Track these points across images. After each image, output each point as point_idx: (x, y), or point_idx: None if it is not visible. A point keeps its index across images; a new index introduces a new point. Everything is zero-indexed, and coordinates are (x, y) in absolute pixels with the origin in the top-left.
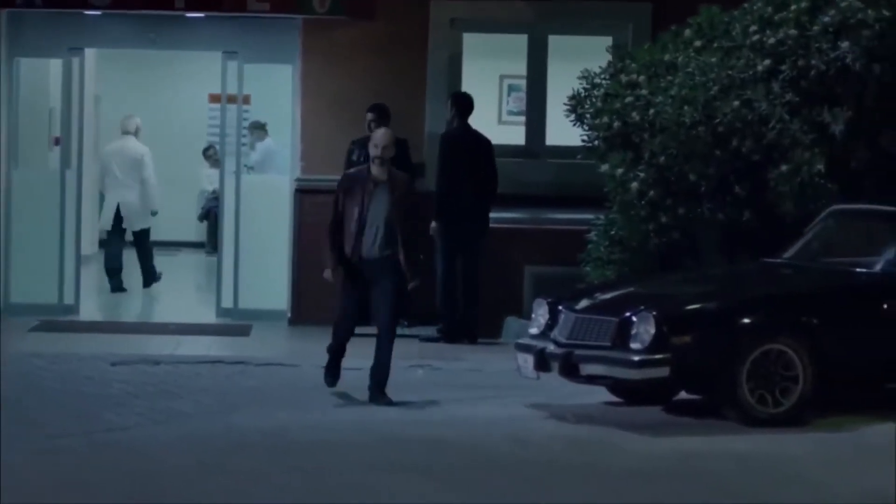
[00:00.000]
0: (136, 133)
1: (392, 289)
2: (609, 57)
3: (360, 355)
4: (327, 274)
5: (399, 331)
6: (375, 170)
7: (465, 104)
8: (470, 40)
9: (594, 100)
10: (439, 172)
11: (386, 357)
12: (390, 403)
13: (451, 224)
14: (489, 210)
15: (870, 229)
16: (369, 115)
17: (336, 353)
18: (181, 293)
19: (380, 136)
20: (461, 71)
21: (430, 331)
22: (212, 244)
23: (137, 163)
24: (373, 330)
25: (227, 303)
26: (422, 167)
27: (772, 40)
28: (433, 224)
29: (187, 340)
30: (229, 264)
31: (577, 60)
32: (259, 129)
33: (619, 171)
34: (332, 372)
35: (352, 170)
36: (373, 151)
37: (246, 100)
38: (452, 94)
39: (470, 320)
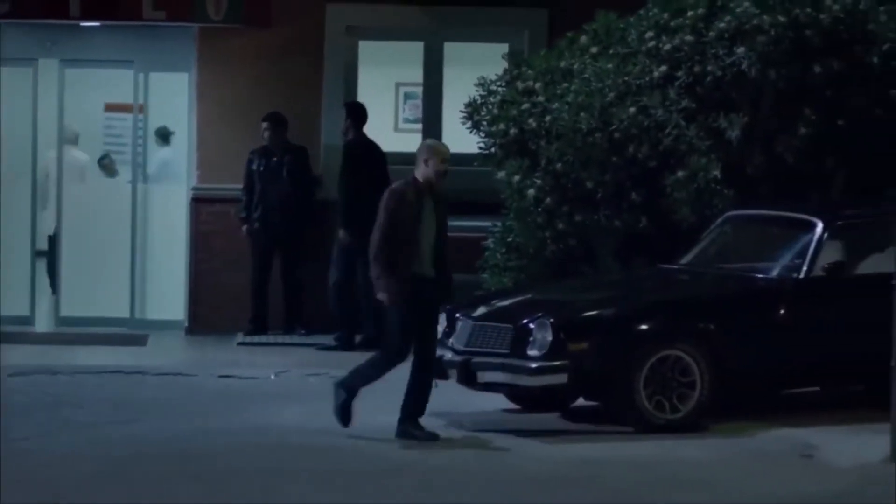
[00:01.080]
0: (75, 141)
1: (438, 309)
2: (505, 64)
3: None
4: (385, 297)
5: (296, 339)
6: (437, 184)
7: (359, 113)
8: (366, 48)
9: (490, 107)
10: (345, 182)
11: (430, 383)
12: (434, 437)
13: (350, 232)
14: None
15: (766, 235)
16: (264, 125)
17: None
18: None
19: (447, 150)
20: (357, 79)
21: (327, 339)
22: None
23: (82, 172)
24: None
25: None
26: (319, 176)
27: (668, 46)
28: (341, 233)
29: (85, 350)
30: (125, 273)
31: (474, 68)
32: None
33: (516, 178)
34: (350, 412)
35: (399, 184)
36: (441, 167)
37: (143, 109)
38: (346, 104)
39: (376, 329)
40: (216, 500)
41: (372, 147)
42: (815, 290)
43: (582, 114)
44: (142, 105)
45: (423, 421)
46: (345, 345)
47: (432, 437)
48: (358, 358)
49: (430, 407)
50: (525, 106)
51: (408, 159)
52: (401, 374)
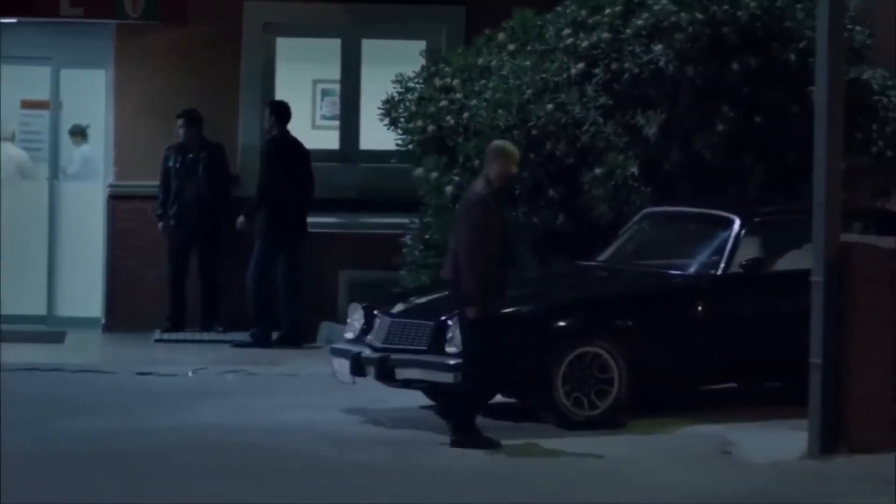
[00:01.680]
0: (12, 139)
1: None
2: (423, 61)
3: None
4: (478, 310)
5: (214, 336)
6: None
7: (283, 112)
8: (283, 45)
9: (408, 104)
10: (264, 176)
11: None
12: (494, 445)
13: (271, 229)
14: (307, 215)
15: (683, 231)
16: (179, 121)
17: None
18: None
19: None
20: (274, 76)
21: (244, 336)
22: None
23: (21, 169)
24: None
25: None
26: (235, 173)
27: (585, 43)
28: (241, 218)
29: (2, 348)
30: (42, 270)
31: (391, 65)
32: (79, 134)
33: (434, 174)
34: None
35: (481, 190)
36: (513, 170)
37: (59, 106)
38: (270, 102)
39: (294, 325)
40: (135, 499)
41: (296, 145)
42: (732, 286)
43: (499, 111)
44: (59, 102)
45: (340, 416)
46: (261, 341)
47: (492, 445)
48: (277, 355)
49: (347, 404)
50: (443, 103)
51: (325, 157)
52: (314, 370)
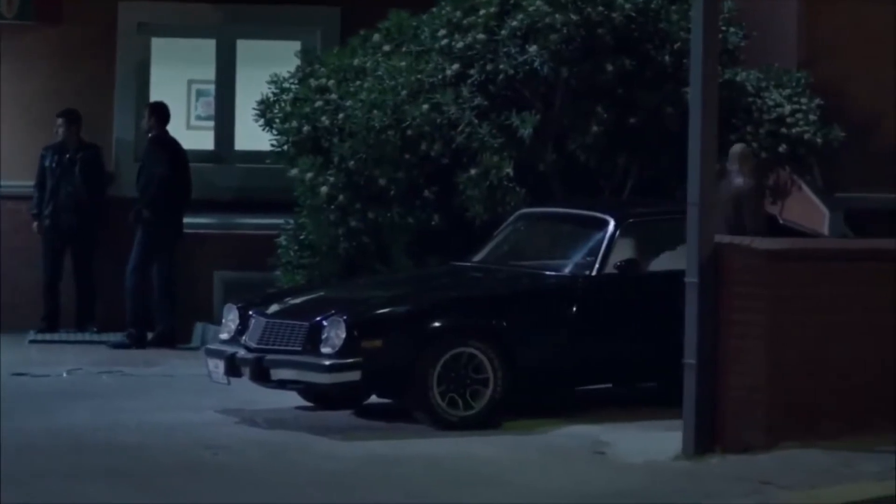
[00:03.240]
0: None
1: None
2: (298, 61)
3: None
4: None
5: (88, 337)
6: None
7: (163, 113)
8: (158, 45)
9: (283, 104)
10: (146, 177)
11: None
12: None
13: (150, 229)
14: (183, 216)
15: (558, 232)
16: (59, 121)
17: None
18: None
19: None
20: (149, 76)
21: (119, 337)
22: None
23: None
24: None
25: None
26: (111, 174)
27: (460, 44)
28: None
29: None
30: None
31: (267, 65)
32: None
33: (309, 175)
34: None
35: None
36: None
37: None
38: (150, 104)
39: (169, 326)
40: (7, 502)
41: (176, 145)
42: (607, 287)
43: (375, 111)
44: None
45: (215, 417)
46: (137, 342)
47: None
48: (152, 355)
49: (222, 404)
50: (318, 103)
51: (200, 157)
52: (189, 371)
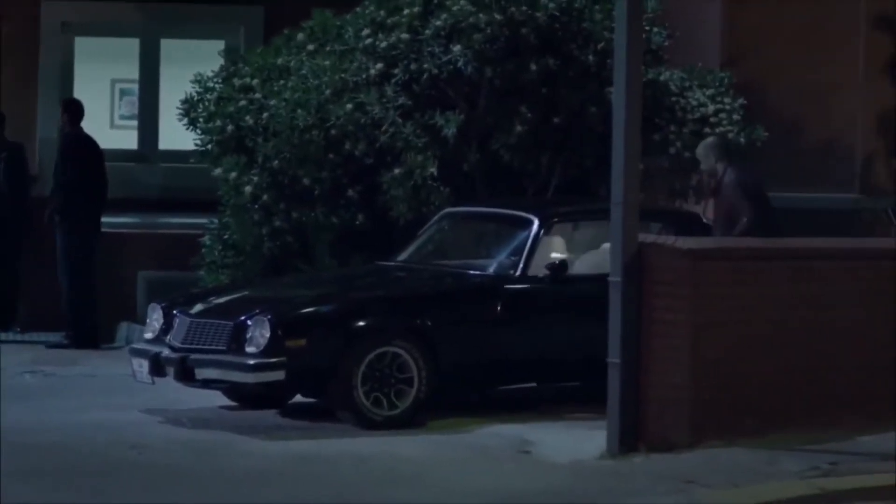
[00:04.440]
0: None
1: None
2: (222, 61)
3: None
4: None
5: (11, 336)
6: None
7: (76, 109)
8: (81, 44)
9: (207, 104)
10: (62, 174)
11: None
12: None
13: (70, 228)
14: (101, 214)
15: (483, 232)
16: None
17: None
18: None
19: None
20: (73, 75)
21: (56, 337)
22: None
23: None
24: None
25: None
26: (34, 174)
27: (384, 44)
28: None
29: None
30: None
31: (190, 64)
32: None
33: (233, 174)
34: None
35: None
36: None
37: None
38: (63, 101)
39: (92, 326)
40: None
41: (90, 143)
42: (531, 287)
43: (299, 111)
44: None
45: (140, 417)
46: (75, 342)
47: None
48: (75, 355)
49: (146, 404)
50: (242, 103)
51: (124, 156)
52: (113, 371)
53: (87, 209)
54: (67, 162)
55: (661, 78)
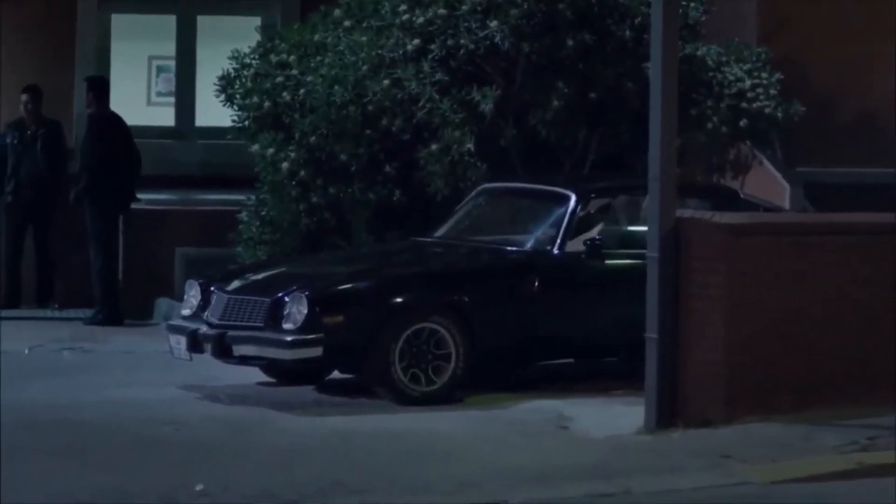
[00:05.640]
0: None
1: None
2: (259, 37)
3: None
4: None
5: (49, 314)
6: None
7: (101, 87)
8: (118, 21)
9: (244, 80)
10: (87, 153)
11: None
12: None
13: (99, 206)
14: (133, 191)
15: (519, 207)
16: (24, 97)
17: None
18: None
19: None
20: (110, 52)
21: (90, 314)
22: None
23: None
24: None
25: None
26: (71, 151)
27: (421, 20)
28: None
29: None
30: None
31: (227, 41)
32: None
33: (270, 151)
34: None
35: None
36: None
37: None
38: (87, 78)
39: (115, 304)
40: None
41: (116, 120)
42: (568, 262)
43: (335, 87)
44: None
45: (177, 394)
46: (109, 320)
47: None
48: (112, 332)
49: (184, 381)
50: (279, 79)
51: (161, 133)
52: (151, 348)
53: (114, 188)
54: (94, 141)
55: (698, 53)
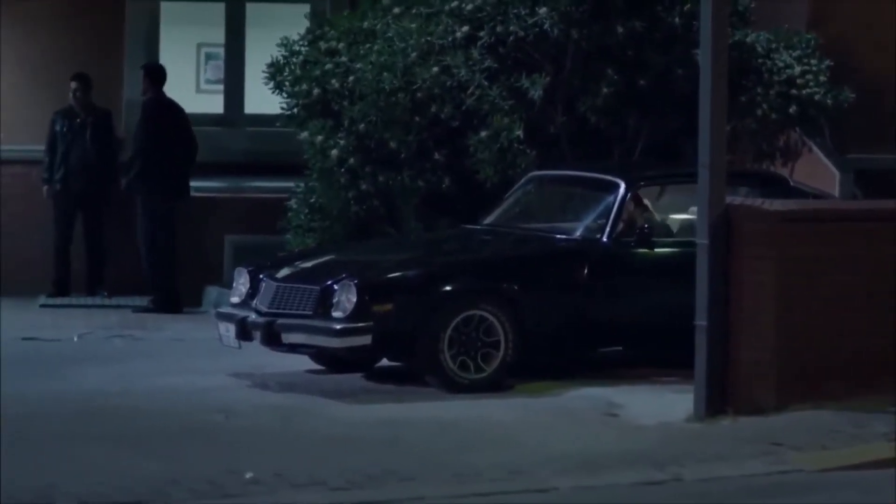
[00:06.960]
0: None
1: None
2: (308, 24)
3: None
4: None
5: (99, 301)
6: None
7: (158, 74)
8: (167, 9)
9: (293, 67)
10: (142, 139)
11: None
12: None
13: (152, 193)
14: (188, 178)
15: (569, 195)
16: (74, 84)
17: None
18: None
19: None
20: (159, 39)
21: (142, 301)
22: None
23: None
24: None
25: None
26: (121, 138)
27: (470, 6)
28: (123, 182)
29: None
30: None
31: (276, 28)
32: None
33: (319, 138)
34: None
35: None
36: None
37: None
38: (144, 66)
39: (172, 291)
40: (15, 467)
41: (173, 107)
42: (617, 250)
43: (385, 74)
44: None
45: (226, 381)
46: (161, 307)
47: None
48: (163, 319)
49: (233, 368)
50: (328, 66)
51: (210, 120)
52: (200, 335)
53: (168, 176)
54: (149, 127)
55: (748, 39)
